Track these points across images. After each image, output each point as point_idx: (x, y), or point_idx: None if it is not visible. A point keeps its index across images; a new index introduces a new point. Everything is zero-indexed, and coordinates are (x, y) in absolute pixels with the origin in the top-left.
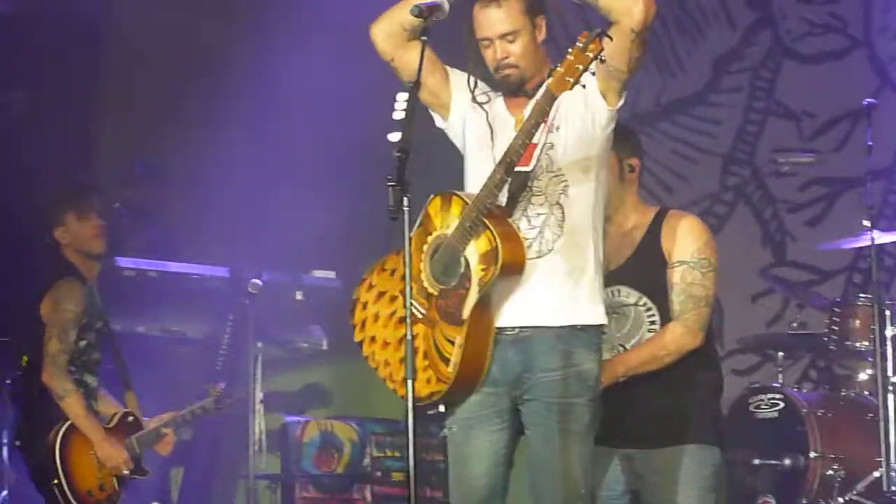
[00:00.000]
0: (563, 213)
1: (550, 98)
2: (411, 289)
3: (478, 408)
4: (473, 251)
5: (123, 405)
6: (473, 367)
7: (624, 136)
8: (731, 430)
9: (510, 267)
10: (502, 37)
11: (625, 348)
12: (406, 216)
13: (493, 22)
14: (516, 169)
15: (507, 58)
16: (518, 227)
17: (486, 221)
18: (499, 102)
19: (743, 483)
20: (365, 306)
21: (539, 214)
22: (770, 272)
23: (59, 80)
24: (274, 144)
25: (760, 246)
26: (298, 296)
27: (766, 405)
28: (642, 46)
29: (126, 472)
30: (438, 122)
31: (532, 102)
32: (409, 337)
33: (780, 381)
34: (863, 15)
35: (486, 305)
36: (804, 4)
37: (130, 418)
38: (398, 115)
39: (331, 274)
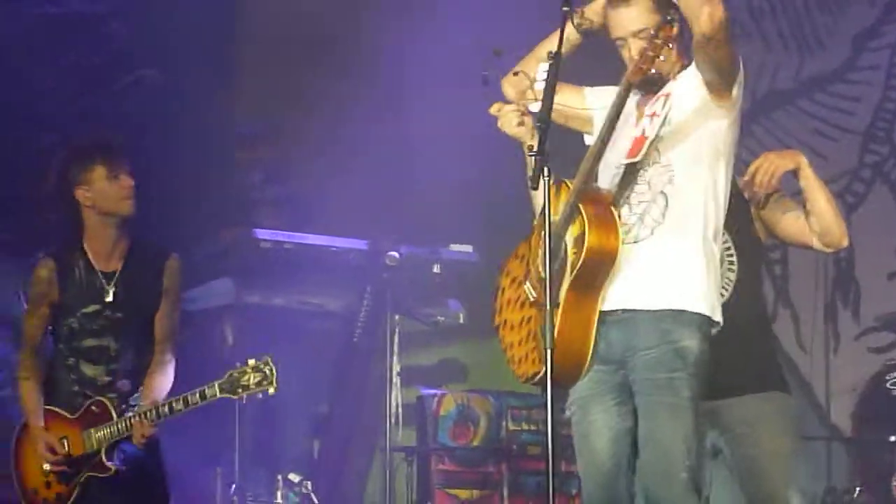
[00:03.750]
0: (666, 201)
1: (627, 87)
2: (529, 273)
3: (592, 386)
4: (570, 235)
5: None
6: (572, 350)
7: None
8: (868, 407)
9: (598, 251)
10: (635, 35)
11: None
12: (547, 186)
13: (625, 21)
14: (626, 161)
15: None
16: (619, 214)
17: (581, 206)
18: (631, 102)
19: (879, 460)
20: (503, 292)
21: (641, 202)
22: None
23: (192, 57)
24: (411, 116)
25: None
26: (436, 269)
27: None
28: (720, 49)
29: (46, 465)
30: (587, 140)
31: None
32: (548, 307)
33: None
34: None
35: (584, 289)
36: None
37: (95, 408)
38: (538, 85)
39: (468, 248)
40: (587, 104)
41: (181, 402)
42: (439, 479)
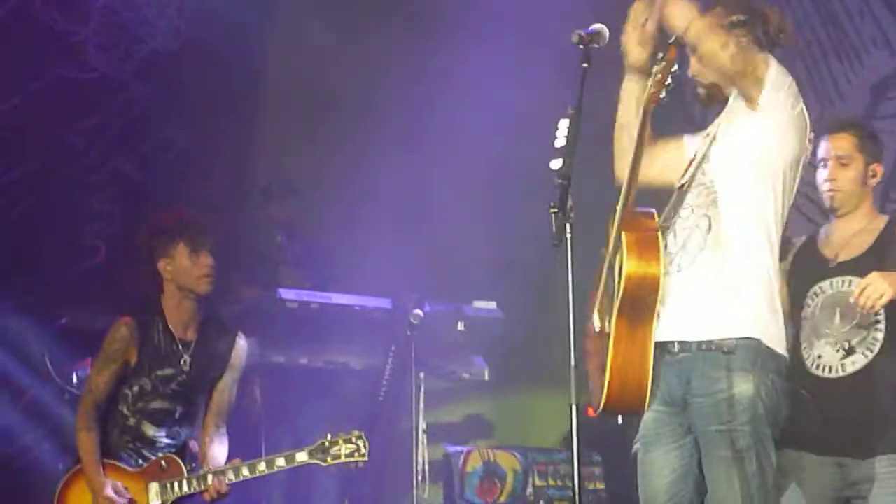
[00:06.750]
0: (709, 224)
1: (644, 114)
2: (602, 304)
3: (653, 426)
4: (618, 264)
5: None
6: (629, 379)
7: (871, 143)
8: None
9: (637, 279)
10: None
11: (850, 344)
12: (568, 243)
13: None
14: (676, 185)
15: (696, 74)
16: (664, 242)
17: (624, 235)
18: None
19: None
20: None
21: (685, 228)
22: None
23: (217, 117)
24: (435, 174)
25: None
26: (460, 326)
27: None
28: (698, 49)
29: None
30: None
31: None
32: (572, 363)
33: None
34: None
35: (632, 318)
36: None
37: (164, 463)
38: (559, 142)
39: (492, 304)
40: (686, 153)
41: (265, 464)
42: None
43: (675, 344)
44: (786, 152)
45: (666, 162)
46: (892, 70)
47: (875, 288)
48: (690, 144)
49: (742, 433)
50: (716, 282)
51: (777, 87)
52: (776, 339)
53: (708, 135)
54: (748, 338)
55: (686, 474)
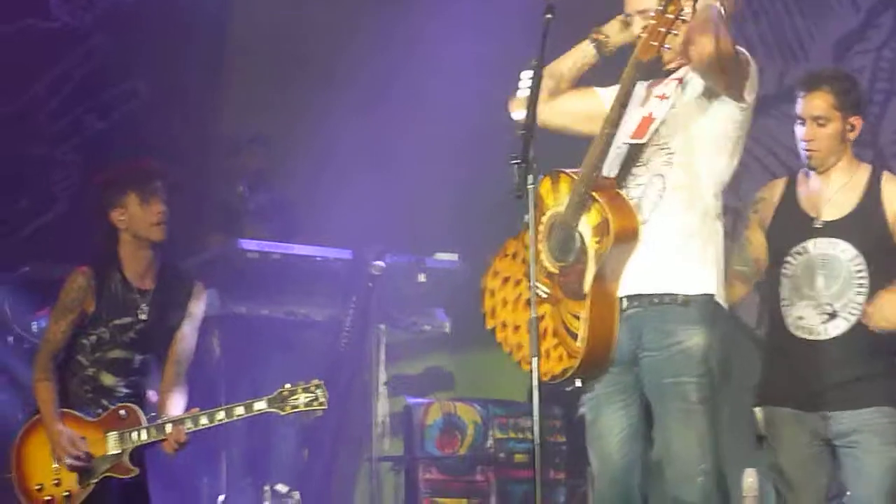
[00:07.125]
0: (664, 183)
1: (637, 65)
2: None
3: (602, 387)
4: (586, 225)
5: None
6: (602, 339)
7: (848, 96)
8: None
9: (623, 235)
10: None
11: (833, 308)
12: (531, 195)
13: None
14: (631, 141)
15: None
16: (627, 196)
17: (595, 194)
18: (641, 85)
19: None
20: (493, 293)
21: (639, 185)
22: None
23: (178, 68)
24: (398, 125)
25: None
26: (421, 278)
27: None
28: (723, 73)
29: (70, 461)
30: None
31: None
32: (533, 316)
33: None
34: None
35: (605, 277)
36: None
37: (123, 412)
38: (522, 93)
39: (454, 256)
40: (605, 104)
41: (224, 412)
42: (426, 488)
43: (624, 300)
44: (746, 132)
45: (579, 111)
46: (856, 26)
47: (892, 310)
48: (606, 95)
49: (696, 385)
50: (671, 240)
51: (755, 85)
52: (724, 298)
53: (664, 96)
54: (703, 294)
55: (636, 433)
